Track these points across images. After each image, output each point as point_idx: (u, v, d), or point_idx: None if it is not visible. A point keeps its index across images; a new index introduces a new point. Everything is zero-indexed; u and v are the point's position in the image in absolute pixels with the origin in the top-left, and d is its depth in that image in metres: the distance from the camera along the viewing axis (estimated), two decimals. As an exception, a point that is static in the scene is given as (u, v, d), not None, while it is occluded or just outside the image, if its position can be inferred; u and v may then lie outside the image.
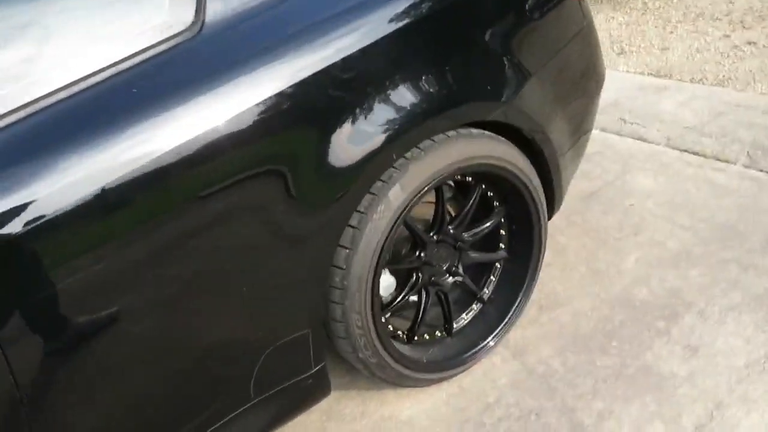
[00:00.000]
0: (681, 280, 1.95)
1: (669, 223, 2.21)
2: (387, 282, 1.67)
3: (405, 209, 1.46)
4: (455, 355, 1.75)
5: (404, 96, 1.39)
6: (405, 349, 1.67)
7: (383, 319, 1.65)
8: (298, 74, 1.26)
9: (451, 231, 1.69)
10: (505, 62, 1.57)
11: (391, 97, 1.38)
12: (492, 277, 1.86)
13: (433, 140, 1.48)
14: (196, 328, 1.28)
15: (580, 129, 1.90)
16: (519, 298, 1.83)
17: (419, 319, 1.72)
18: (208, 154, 1.18)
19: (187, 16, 1.21)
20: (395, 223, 1.45)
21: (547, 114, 1.70)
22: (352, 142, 1.34)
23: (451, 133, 1.51)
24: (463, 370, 1.76)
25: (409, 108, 1.40)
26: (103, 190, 1.10)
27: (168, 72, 1.19)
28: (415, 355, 1.69)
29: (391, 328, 1.70)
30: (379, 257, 1.46)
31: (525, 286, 1.83)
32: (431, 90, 1.44)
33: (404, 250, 1.67)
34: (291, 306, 1.39)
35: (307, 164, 1.31)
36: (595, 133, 2.51)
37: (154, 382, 1.26)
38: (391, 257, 1.63)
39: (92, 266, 1.11)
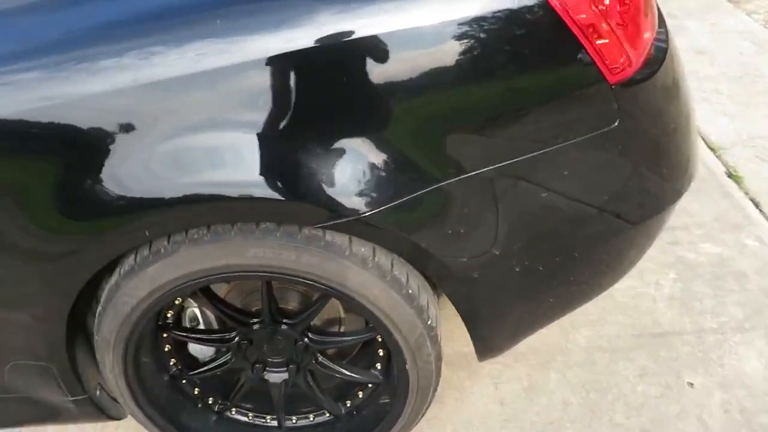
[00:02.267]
0: None
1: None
2: (197, 348, 1.41)
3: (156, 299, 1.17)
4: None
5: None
6: (193, 413, 1.44)
7: (184, 381, 1.43)
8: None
9: (286, 327, 1.32)
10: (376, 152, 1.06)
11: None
12: (360, 393, 1.45)
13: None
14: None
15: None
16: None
17: (235, 393, 1.44)
18: None
19: None
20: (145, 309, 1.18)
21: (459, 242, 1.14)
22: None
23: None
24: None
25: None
26: None
27: None
28: (201, 425, 1.44)
29: (197, 391, 1.46)
30: (132, 330, 1.22)
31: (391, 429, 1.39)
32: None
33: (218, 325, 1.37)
34: (22, 339, 1.26)
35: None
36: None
37: None
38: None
39: None
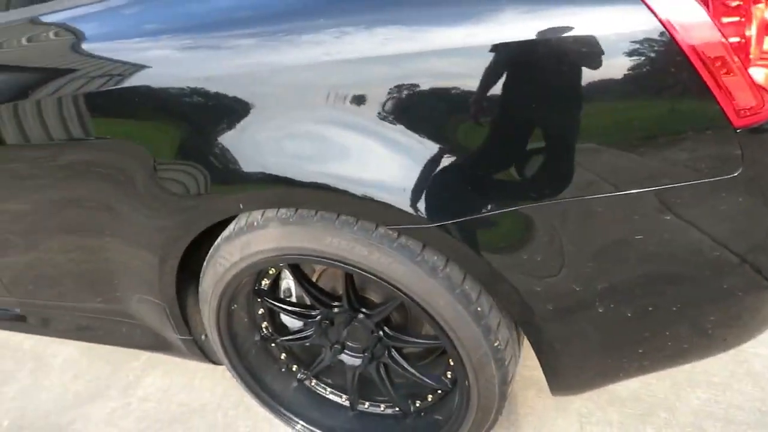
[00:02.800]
0: None
1: None
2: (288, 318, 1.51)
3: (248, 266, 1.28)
4: (326, 426, 1.54)
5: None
6: (277, 375, 1.55)
7: (273, 344, 1.55)
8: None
9: (362, 317, 1.36)
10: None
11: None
12: (430, 397, 1.45)
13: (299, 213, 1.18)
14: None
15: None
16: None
17: (316, 364, 1.53)
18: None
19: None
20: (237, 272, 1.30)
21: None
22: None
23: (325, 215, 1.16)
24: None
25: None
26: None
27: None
28: (282, 388, 1.55)
29: (284, 357, 1.56)
30: (225, 289, 1.34)
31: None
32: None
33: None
34: (146, 276, 1.44)
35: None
36: None
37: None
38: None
39: None
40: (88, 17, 1.26)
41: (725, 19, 0.95)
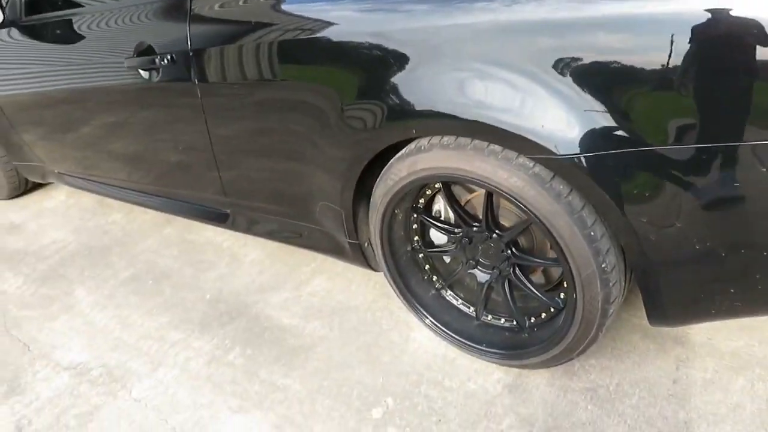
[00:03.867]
0: None
1: None
2: (436, 234, 1.86)
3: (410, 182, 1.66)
4: (453, 328, 1.87)
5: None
6: (420, 282, 1.91)
7: (421, 255, 1.91)
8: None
9: (495, 237, 1.68)
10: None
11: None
12: (543, 314, 1.73)
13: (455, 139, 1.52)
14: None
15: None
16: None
17: (451, 276, 1.88)
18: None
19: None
20: (405, 185, 1.68)
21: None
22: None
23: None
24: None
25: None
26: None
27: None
28: (423, 292, 1.91)
29: (427, 267, 1.91)
30: (391, 198, 1.72)
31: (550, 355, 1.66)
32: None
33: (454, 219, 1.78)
34: (329, 186, 1.86)
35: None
36: None
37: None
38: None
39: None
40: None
41: None
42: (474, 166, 1.52)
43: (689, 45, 1.16)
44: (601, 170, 1.35)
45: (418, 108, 1.51)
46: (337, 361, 2.01)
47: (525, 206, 1.48)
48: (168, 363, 2.16)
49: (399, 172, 1.67)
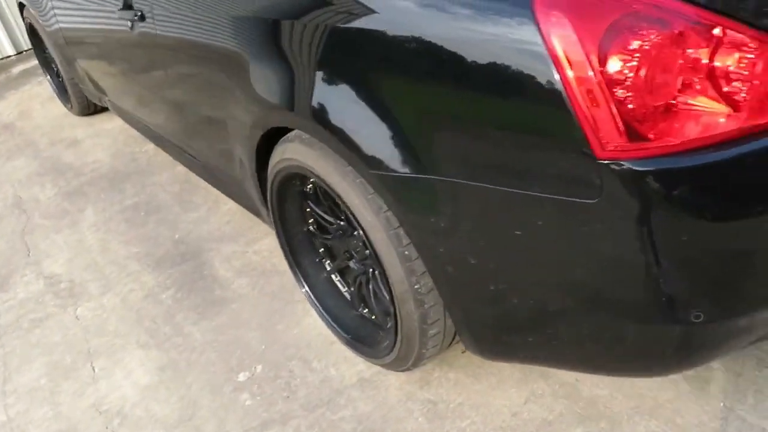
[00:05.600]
0: None
1: None
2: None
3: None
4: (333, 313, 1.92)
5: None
6: (313, 267, 1.96)
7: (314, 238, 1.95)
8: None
9: (357, 234, 1.69)
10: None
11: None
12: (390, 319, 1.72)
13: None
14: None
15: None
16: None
17: (335, 260, 1.92)
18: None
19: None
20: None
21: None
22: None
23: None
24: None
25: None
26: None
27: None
28: (313, 271, 1.97)
29: (321, 251, 1.95)
30: (274, 178, 1.78)
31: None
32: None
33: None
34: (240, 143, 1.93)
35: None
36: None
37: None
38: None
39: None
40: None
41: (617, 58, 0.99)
42: (318, 165, 1.53)
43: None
44: (398, 190, 1.31)
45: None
46: (242, 320, 2.14)
47: (352, 212, 1.48)
48: (115, 290, 2.42)
49: (276, 156, 1.71)
